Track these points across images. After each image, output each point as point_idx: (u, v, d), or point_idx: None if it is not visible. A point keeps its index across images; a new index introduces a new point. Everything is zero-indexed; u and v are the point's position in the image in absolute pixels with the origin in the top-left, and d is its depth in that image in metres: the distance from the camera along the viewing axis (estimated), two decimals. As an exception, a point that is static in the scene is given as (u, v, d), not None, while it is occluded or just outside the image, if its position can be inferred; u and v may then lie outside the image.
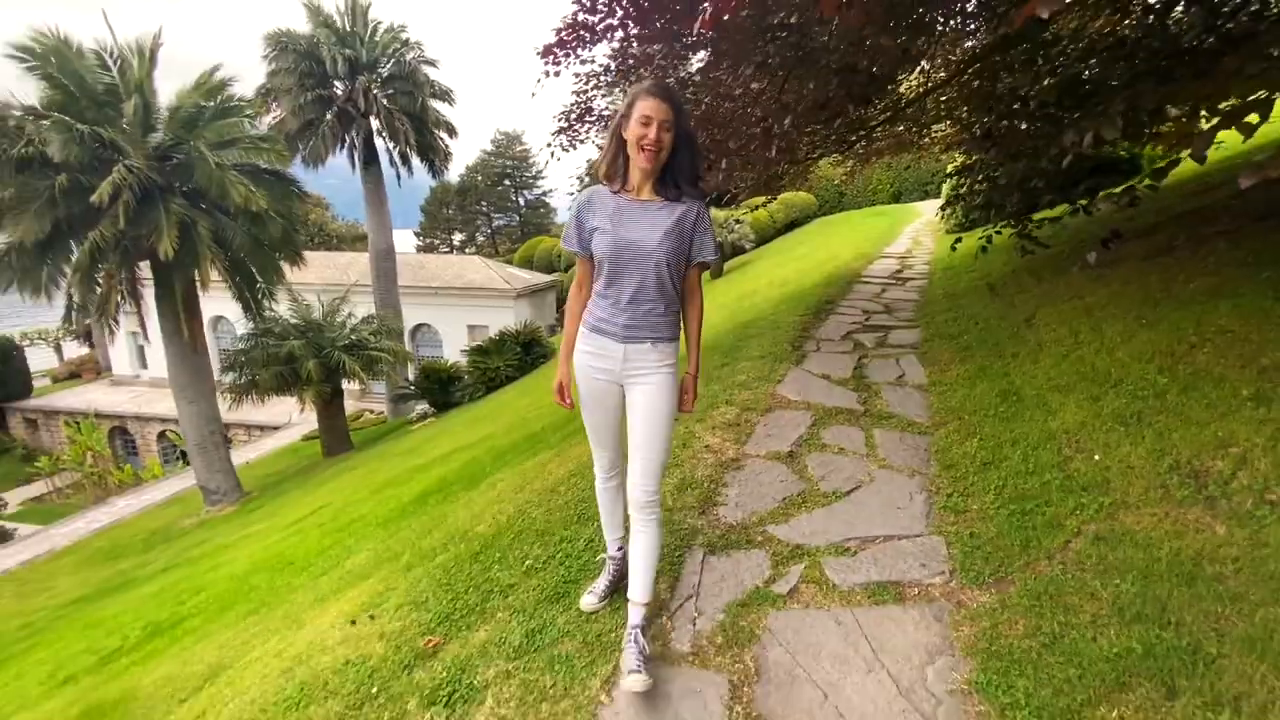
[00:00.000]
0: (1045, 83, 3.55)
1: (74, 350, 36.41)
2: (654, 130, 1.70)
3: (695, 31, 2.34)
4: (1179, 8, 3.41)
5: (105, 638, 5.63)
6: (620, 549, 2.12)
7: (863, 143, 7.11)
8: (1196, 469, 2.21)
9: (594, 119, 4.63)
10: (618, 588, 2.09)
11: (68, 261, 12.11)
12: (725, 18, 2.64)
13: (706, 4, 2.41)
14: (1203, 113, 2.39)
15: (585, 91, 4.51)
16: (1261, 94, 1.78)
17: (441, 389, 17.64)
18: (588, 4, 4.07)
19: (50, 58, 11.35)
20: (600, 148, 5.57)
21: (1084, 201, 3.73)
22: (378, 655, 1.90)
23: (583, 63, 4.31)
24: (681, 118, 1.75)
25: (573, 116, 4.66)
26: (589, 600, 2.06)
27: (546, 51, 3.93)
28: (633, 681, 1.62)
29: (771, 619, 1.89)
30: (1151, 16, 2.86)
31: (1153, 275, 4.44)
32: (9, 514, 20.08)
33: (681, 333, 1.94)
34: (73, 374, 33.14)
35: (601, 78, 4.40)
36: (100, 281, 12.28)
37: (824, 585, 2.04)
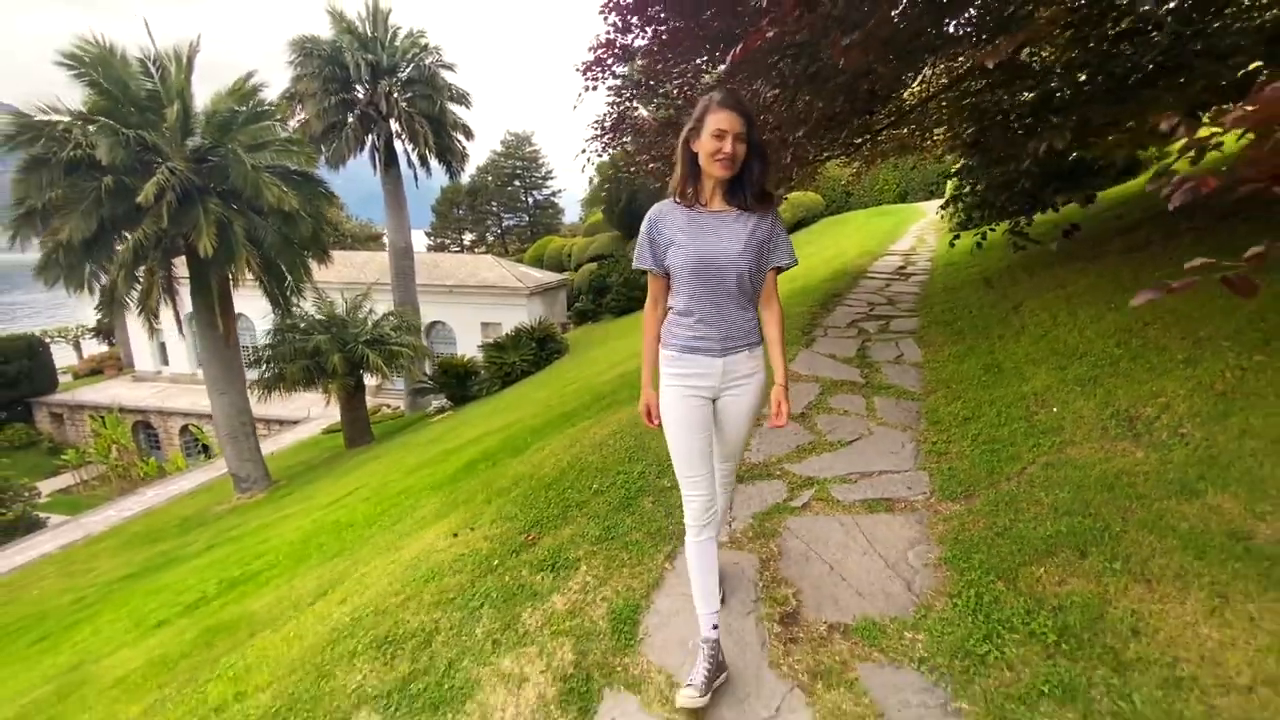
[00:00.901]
0: (1022, 98, 4.08)
1: (92, 348, 37.23)
2: (728, 144, 1.67)
3: (729, 62, 2.86)
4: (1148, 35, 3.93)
5: (177, 595, 6.20)
6: (716, 627, 1.78)
7: (868, 146, 7.63)
8: (1131, 415, 2.74)
9: (625, 127, 5.19)
10: (718, 675, 1.75)
11: (109, 259, 12.70)
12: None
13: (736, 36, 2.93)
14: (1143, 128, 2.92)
15: (618, 103, 5.08)
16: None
17: (459, 383, 18.18)
18: (620, 25, 4.63)
19: (97, 66, 11.96)
20: (628, 151, 6.13)
21: (1053, 201, 4.25)
22: (487, 548, 2.47)
23: (615, 77, 4.86)
24: (753, 128, 1.71)
25: (606, 124, 5.23)
26: (689, 693, 1.68)
27: (586, 69, 4.49)
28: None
29: (789, 522, 2.44)
30: (1105, 44, 3.38)
31: (1126, 268, 4.96)
32: (38, 504, 20.70)
33: (764, 343, 1.89)
34: (94, 370, 33.83)
35: (632, 91, 4.95)
36: (141, 278, 12.89)
37: (830, 501, 2.59)
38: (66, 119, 11.83)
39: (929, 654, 1.74)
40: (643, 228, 1.84)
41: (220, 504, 14.73)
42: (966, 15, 3.45)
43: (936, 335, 5.33)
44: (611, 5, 4.52)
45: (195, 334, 25.86)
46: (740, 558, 2.22)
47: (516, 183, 47.16)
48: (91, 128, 11.62)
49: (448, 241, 47.99)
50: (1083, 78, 3.71)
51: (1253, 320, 3.04)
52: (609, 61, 4.54)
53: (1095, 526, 2.08)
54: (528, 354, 17.45)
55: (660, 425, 1.87)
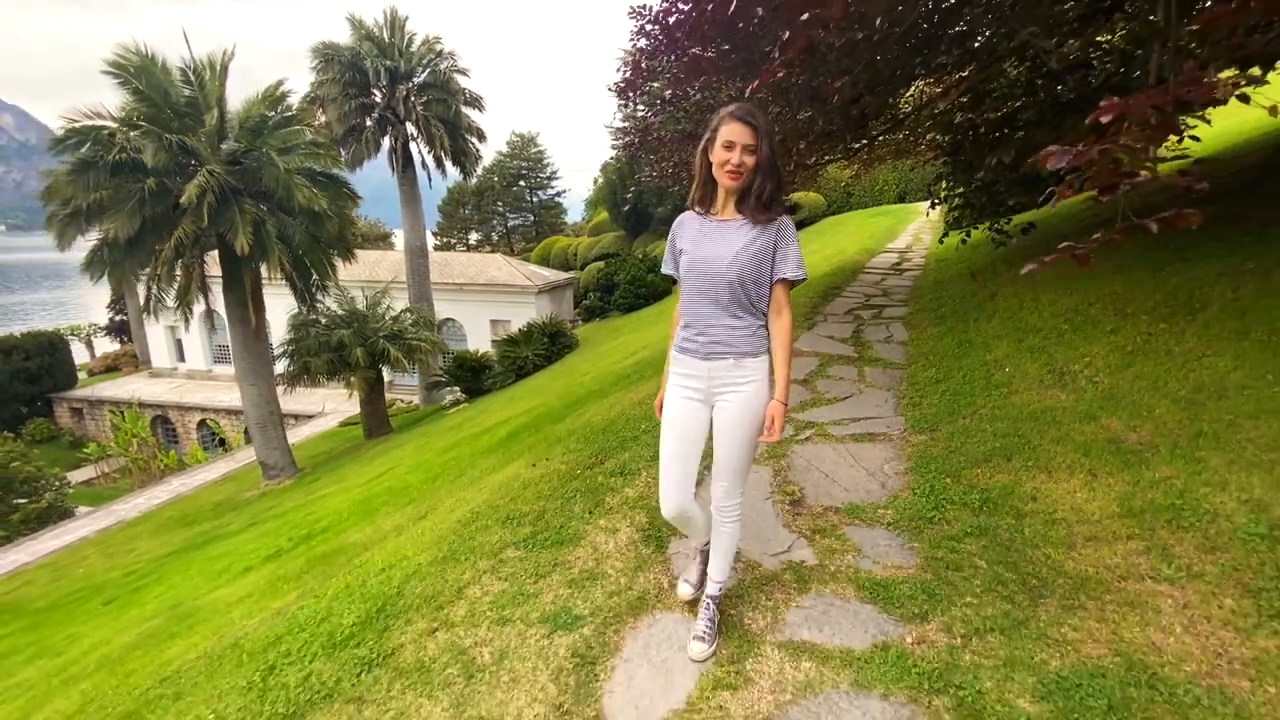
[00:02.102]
0: (989, 115, 4.82)
1: (103, 346, 38.08)
2: (736, 154, 1.73)
3: (747, 93, 3.60)
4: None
5: (247, 554, 6.92)
6: (707, 543, 2.09)
7: (865, 151, 8.38)
8: (1063, 370, 3.50)
9: (651, 139, 5.94)
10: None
11: (148, 257, 13.42)
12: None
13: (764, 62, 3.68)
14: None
15: (644, 118, 5.83)
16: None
17: (473, 376, 18.89)
18: (649, 50, 5.39)
19: (140, 75, 12.69)
20: (651, 159, 6.89)
21: (1011, 207, 5.00)
22: (565, 469, 3.22)
23: (643, 94, 5.61)
24: (764, 141, 1.75)
25: (635, 135, 5.98)
26: (685, 589, 2.14)
27: (620, 91, 5.24)
28: (695, 649, 1.85)
29: (794, 448, 3.20)
30: (1046, 76, 4.13)
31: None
32: (66, 494, 21.29)
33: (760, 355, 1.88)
34: (109, 367, 34.52)
35: (657, 109, 5.71)
36: (179, 274, 13.63)
37: (827, 435, 3.35)
38: (112, 125, 12.57)
39: (894, 520, 2.49)
40: (669, 236, 1.99)
41: (249, 490, 15.38)
42: (940, 48, 4.18)
43: (922, 320, 6.08)
44: (641, 33, 5.28)
45: (212, 330, 26.50)
46: (759, 469, 2.98)
47: (521, 183, 47.83)
48: (135, 133, 12.38)
49: (454, 241, 48.70)
50: (1041, 97, 4.46)
51: (1167, 299, 3.79)
52: (639, 83, 5.30)
53: (1020, 443, 2.83)
54: (540, 348, 18.15)
55: None
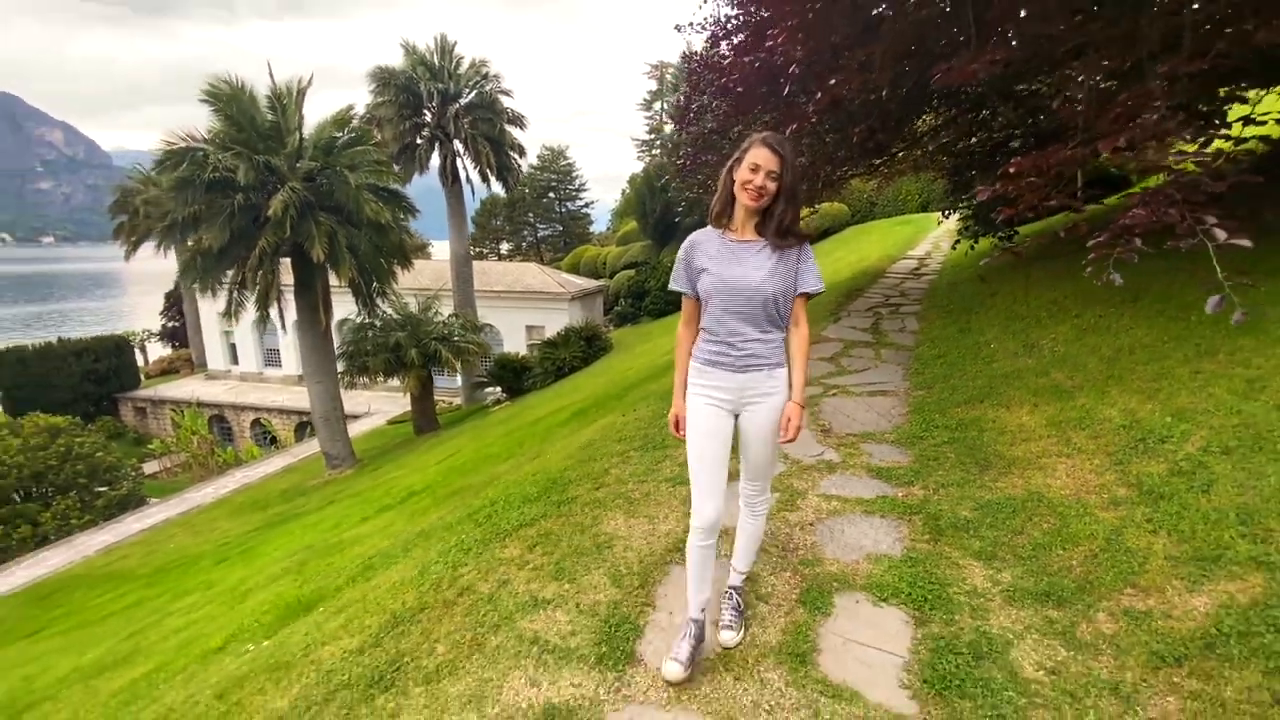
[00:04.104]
0: (986, 143, 5.85)
1: (156, 350, 40.40)
2: (760, 177, 1.83)
3: (786, 133, 4.69)
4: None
5: (356, 515, 8.06)
6: (703, 610, 2.03)
7: (885, 167, 9.42)
8: (1034, 344, 4.53)
9: (701, 160, 7.10)
10: (699, 652, 2.01)
11: (231, 264, 14.87)
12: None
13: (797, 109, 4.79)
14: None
15: (694, 145, 6.99)
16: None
17: (515, 377, 20.14)
18: (699, 87, 6.53)
19: (231, 102, 14.21)
20: (699, 179, 8.02)
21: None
22: (650, 415, 4.34)
23: (694, 125, 6.77)
24: (787, 171, 1.84)
25: (687, 161, 7.13)
26: (674, 669, 1.92)
27: (678, 122, 6.39)
28: (726, 637, 2.00)
29: (824, 400, 4.28)
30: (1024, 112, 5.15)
31: (1069, 262, 6.68)
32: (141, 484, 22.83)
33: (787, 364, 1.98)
34: (166, 370, 36.55)
35: (707, 136, 6.86)
36: (259, 280, 15.07)
37: (848, 393, 4.42)
38: (206, 146, 14.08)
39: (895, 439, 3.55)
40: (679, 253, 2.02)
41: (314, 479, 16.60)
42: (932, 100, 5.22)
43: (933, 314, 7.10)
44: (692, 75, 6.43)
45: (285, 332, 28.13)
46: (798, 411, 4.07)
47: (551, 194, 49.43)
48: (226, 154, 13.86)
49: (486, 251, 50.43)
50: (1025, 131, 5.50)
51: (1119, 291, 4.76)
52: (690, 114, 6.45)
53: (991, 391, 3.88)
54: (577, 350, 19.32)
55: (685, 436, 2.03)
